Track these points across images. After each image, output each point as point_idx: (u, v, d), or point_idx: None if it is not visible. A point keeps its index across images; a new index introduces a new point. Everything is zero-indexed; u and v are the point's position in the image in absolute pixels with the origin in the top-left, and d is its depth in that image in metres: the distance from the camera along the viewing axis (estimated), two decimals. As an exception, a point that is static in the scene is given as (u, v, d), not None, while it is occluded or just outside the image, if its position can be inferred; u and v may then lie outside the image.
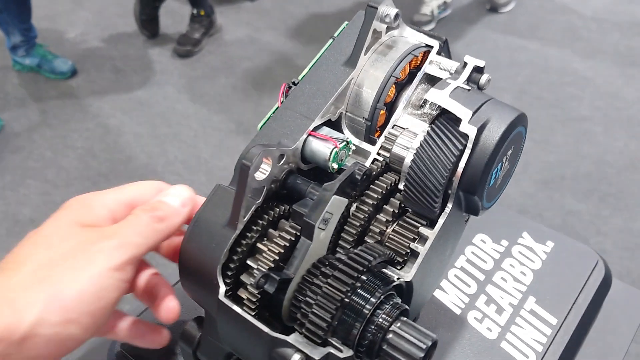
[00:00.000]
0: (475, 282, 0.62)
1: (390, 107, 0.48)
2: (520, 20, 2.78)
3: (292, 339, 0.39)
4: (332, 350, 0.38)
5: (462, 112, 0.42)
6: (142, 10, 2.55)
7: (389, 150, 0.46)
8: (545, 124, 2.19)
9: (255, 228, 0.42)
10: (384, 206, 0.45)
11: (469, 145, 0.42)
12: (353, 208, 0.45)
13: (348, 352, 0.39)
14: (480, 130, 0.42)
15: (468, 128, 0.42)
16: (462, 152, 0.42)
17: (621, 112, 2.26)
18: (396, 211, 0.45)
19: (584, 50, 2.59)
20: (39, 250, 0.40)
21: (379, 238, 0.45)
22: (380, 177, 0.46)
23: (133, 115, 2.25)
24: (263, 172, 0.42)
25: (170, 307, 0.45)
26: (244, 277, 0.42)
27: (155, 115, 2.24)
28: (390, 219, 0.45)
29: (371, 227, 0.45)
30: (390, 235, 0.45)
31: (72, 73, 2.42)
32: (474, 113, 0.42)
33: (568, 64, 2.51)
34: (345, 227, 0.44)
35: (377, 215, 0.45)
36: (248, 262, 0.42)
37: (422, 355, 0.39)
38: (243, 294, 0.41)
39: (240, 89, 2.38)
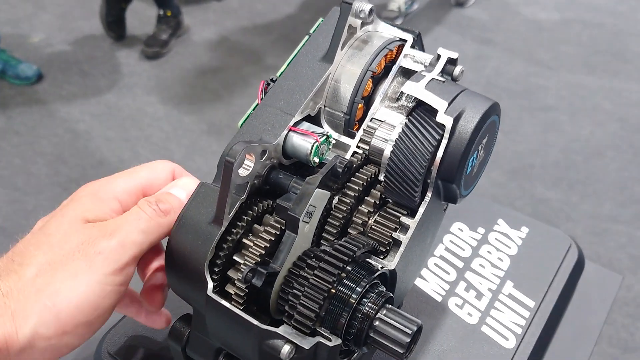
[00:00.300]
0: (455, 270, 0.63)
1: (368, 101, 0.49)
2: (485, 14, 2.83)
3: (281, 330, 0.40)
4: (321, 340, 0.39)
5: (438, 103, 0.43)
6: (108, 12, 2.51)
7: (368, 143, 0.47)
8: (514, 114, 2.23)
9: (240, 224, 0.43)
10: (365, 198, 0.46)
11: (446, 135, 0.43)
12: (335, 200, 0.46)
13: (337, 341, 0.40)
14: (456, 120, 0.43)
15: (444, 118, 0.43)
16: (439, 142, 0.43)
17: (585, 100, 2.32)
18: (377, 202, 0.46)
19: (548, 41, 2.65)
20: (41, 252, 0.40)
21: (362, 229, 0.46)
22: (361, 170, 0.47)
23: (102, 119, 2.22)
24: (246, 168, 0.43)
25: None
26: (231, 273, 0.42)
27: (125, 119, 2.22)
28: (372, 210, 0.46)
29: (354, 218, 0.46)
30: (373, 226, 0.46)
31: (37, 78, 2.37)
32: (449, 104, 0.43)
33: (533, 56, 2.56)
34: (329, 219, 0.45)
35: (359, 207, 0.46)
36: (235, 257, 0.43)
37: (408, 340, 0.40)
38: (231, 289, 0.42)
39: (210, 89, 2.37)
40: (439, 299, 0.60)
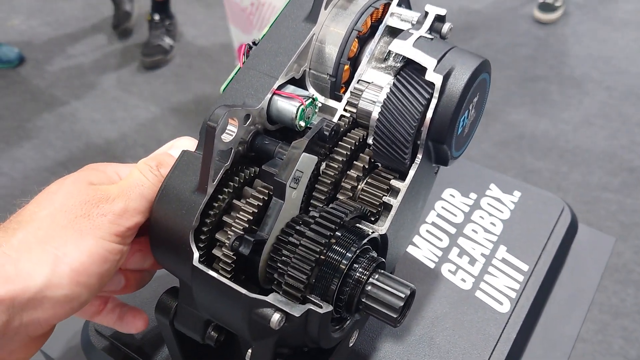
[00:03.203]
0: (447, 236, 0.62)
1: (354, 62, 0.47)
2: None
3: (271, 298, 0.38)
4: (312, 307, 0.38)
5: (426, 61, 0.42)
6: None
7: (355, 106, 0.45)
8: (502, 85, 2.22)
9: (225, 191, 0.42)
10: (354, 162, 0.45)
11: (436, 94, 0.42)
12: (323, 166, 0.44)
13: (328, 308, 0.39)
14: (445, 78, 0.42)
15: (434, 76, 0.41)
16: (429, 101, 0.42)
17: (574, 70, 2.30)
18: (366, 166, 0.45)
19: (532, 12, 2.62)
20: (41, 208, 0.39)
21: (351, 194, 0.45)
22: (349, 133, 0.45)
23: (87, 101, 2.18)
24: (229, 133, 0.41)
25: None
26: (219, 235, 0.41)
27: (111, 100, 2.19)
28: (361, 174, 0.45)
29: (342, 183, 0.45)
30: (362, 191, 0.45)
31: (19, 61, 2.33)
32: (438, 61, 0.42)
33: (520, 25, 2.54)
34: (317, 185, 0.44)
35: (348, 172, 0.45)
36: (222, 222, 0.41)
37: (401, 304, 0.39)
38: (218, 255, 0.41)
39: (196, 67, 2.34)
40: (431, 265, 0.60)
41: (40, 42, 2.45)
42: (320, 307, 0.38)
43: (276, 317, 0.38)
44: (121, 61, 2.36)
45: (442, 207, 0.65)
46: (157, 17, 2.38)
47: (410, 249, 0.61)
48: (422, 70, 0.42)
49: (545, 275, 0.59)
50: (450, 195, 0.66)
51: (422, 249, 0.61)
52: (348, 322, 0.43)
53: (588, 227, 0.69)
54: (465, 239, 0.62)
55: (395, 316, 0.39)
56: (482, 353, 0.52)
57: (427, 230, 0.63)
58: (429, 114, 0.42)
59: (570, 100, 2.17)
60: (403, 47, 0.43)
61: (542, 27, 2.52)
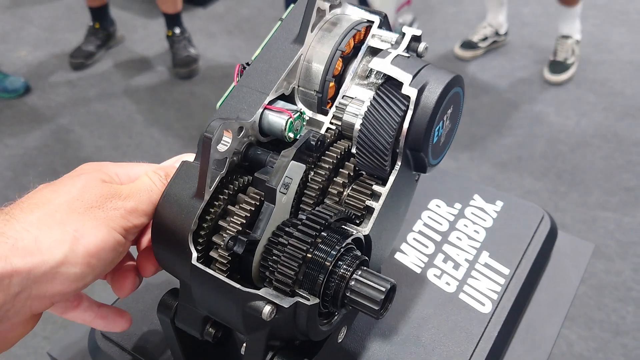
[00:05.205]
0: (433, 243, 0.66)
1: (339, 79, 0.52)
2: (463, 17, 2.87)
3: (262, 292, 0.42)
4: (300, 299, 0.42)
5: (402, 76, 0.46)
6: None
7: (340, 119, 0.49)
8: (500, 108, 2.26)
9: (221, 197, 0.45)
10: (340, 170, 0.49)
11: (411, 106, 0.46)
12: (311, 174, 0.48)
13: (315, 300, 0.42)
14: (420, 92, 0.46)
15: (409, 90, 0.46)
16: (405, 112, 0.46)
17: (570, 92, 2.35)
18: (351, 173, 0.49)
19: (530, 35, 2.68)
20: (58, 195, 0.42)
21: (338, 199, 0.49)
22: (334, 144, 0.49)
23: (92, 128, 2.24)
24: (224, 144, 0.45)
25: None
26: (215, 239, 0.45)
27: (116, 127, 2.24)
28: (347, 181, 0.49)
29: (329, 190, 0.49)
30: (348, 196, 0.49)
31: (25, 90, 2.39)
32: (413, 77, 0.46)
33: (514, 49, 2.60)
34: (305, 191, 0.48)
35: (334, 179, 0.49)
36: (218, 225, 0.45)
37: (383, 297, 0.42)
38: (214, 255, 0.44)
39: (199, 94, 2.40)
40: (418, 270, 0.63)
41: (47, 72, 2.52)
42: (308, 299, 0.42)
43: (267, 308, 0.41)
44: (126, 89, 2.43)
45: (429, 217, 0.69)
46: (177, 30, 2.48)
47: (398, 256, 0.64)
48: (399, 85, 0.46)
49: (525, 278, 0.62)
50: (437, 205, 0.70)
51: (410, 255, 0.65)
52: (336, 317, 0.47)
53: (567, 234, 0.72)
54: (450, 245, 0.66)
55: (377, 309, 0.43)
56: (465, 350, 0.55)
57: (414, 238, 0.66)
58: (406, 124, 0.46)
59: (568, 121, 2.21)
60: (382, 64, 0.47)
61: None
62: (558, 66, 2.39)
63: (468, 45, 2.53)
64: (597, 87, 2.37)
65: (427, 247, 0.66)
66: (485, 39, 2.53)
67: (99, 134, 2.21)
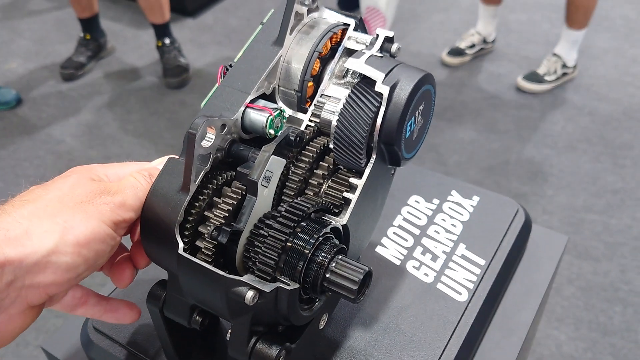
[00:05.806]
0: (412, 237, 0.69)
1: (317, 79, 0.54)
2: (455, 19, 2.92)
3: (245, 278, 0.45)
4: (281, 285, 0.44)
5: (375, 74, 0.49)
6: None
7: (318, 117, 0.52)
8: (487, 114, 2.30)
9: (206, 191, 0.48)
10: (320, 163, 0.52)
11: (384, 102, 0.49)
12: (292, 168, 0.51)
13: (295, 285, 0.45)
14: (392, 89, 0.49)
15: (382, 87, 0.49)
16: (378, 108, 0.49)
17: (556, 96, 2.40)
18: (330, 166, 0.52)
19: (517, 40, 2.73)
20: (48, 192, 0.44)
21: (317, 191, 0.51)
22: (313, 140, 0.52)
23: (84, 139, 2.26)
24: (208, 140, 0.48)
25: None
26: (201, 229, 0.47)
27: (106, 137, 2.26)
28: (326, 174, 0.52)
29: (309, 182, 0.51)
30: (327, 189, 0.52)
31: (17, 102, 2.41)
32: (386, 75, 0.49)
33: (500, 55, 2.65)
34: (287, 184, 0.51)
35: (314, 172, 0.52)
36: (200, 228, 0.48)
37: (359, 279, 0.45)
38: (200, 244, 0.47)
39: (189, 104, 2.42)
40: (397, 262, 0.66)
41: (37, 84, 2.54)
42: (288, 285, 0.45)
43: (250, 294, 0.44)
44: (117, 100, 2.45)
45: (408, 212, 0.72)
46: (167, 40, 2.51)
47: (379, 249, 0.67)
48: (373, 83, 0.49)
49: (500, 269, 0.65)
50: (415, 201, 0.73)
51: (389, 248, 0.67)
52: (317, 303, 0.49)
53: (542, 227, 0.75)
54: (428, 239, 0.69)
55: (354, 292, 0.45)
56: (442, 337, 0.58)
57: (394, 232, 0.69)
58: (379, 120, 0.49)
59: (554, 126, 2.25)
60: (356, 64, 0.50)
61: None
62: (534, 76, 2.42)
63: (456, 52, 2.57)
64: (582, 91, 2.42)
65: (406, 240, 0.68)
66: (472, 46, 2.58)
67: (90, 145, 2.23)
